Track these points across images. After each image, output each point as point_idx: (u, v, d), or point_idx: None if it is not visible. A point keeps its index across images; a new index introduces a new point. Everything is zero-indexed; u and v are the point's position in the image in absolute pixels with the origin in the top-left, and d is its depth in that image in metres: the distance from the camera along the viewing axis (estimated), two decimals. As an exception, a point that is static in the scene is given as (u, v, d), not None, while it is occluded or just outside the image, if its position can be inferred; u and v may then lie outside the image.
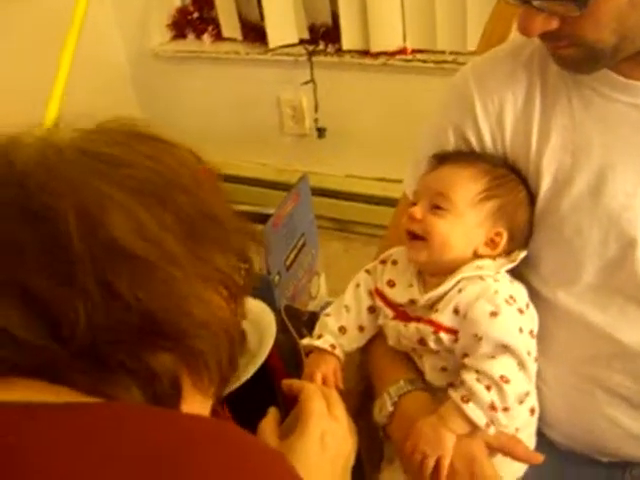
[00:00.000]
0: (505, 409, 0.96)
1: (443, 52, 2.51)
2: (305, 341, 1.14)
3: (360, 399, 1.17)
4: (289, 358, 1.30)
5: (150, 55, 2.99)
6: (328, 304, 1.18)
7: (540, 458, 0.99)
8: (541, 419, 1.09)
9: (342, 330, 1.12)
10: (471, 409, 0.96)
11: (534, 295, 1.06)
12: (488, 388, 0.96)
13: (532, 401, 1.05)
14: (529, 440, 1.06)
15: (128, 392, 0.61)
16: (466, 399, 0.96)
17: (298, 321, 1.46)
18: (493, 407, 0.95)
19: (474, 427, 0.97)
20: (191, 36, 2.95)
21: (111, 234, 0.60)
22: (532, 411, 1.05)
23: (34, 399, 0.57)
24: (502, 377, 0.96)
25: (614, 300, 1.04)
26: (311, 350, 1.12)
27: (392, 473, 1.08)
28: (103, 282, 0.59)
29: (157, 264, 0.62)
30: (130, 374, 0.61)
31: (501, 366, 0.97)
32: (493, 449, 0.99)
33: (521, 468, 1.05)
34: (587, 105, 1.02)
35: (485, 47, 1.33)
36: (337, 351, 1.10)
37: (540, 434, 1.10)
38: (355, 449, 0.94)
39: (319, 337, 1.11)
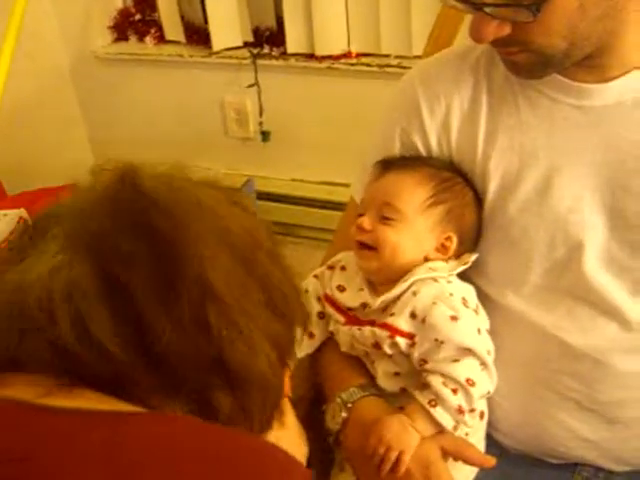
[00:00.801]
0: (471, 411, 0.98)
1: (388, 56, 2.51)
2: None
3: (310, 406, 1.16)
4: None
5: (91, 57, 2.93)
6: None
7: (492, 461, 0.99)
8: (490, 423, 1.09)
9: None
10: (439, 413, 0.96)
11: (482, 297, 1.07)
12: (455, 392, 0.96)
13: (482, 405, 1.05)
14: (479, 444, 1.06)
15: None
16: (433, 403, 0.96)
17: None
18: (460, 410, 0.96)
19: (441, 430, 0.98)
20: (133, 38, 2.90)
21: (209, 274, 0.63)
22: (481, 415, 1.05)
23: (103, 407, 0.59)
24: (468, 380, 0.96)
25: (562, 302, 1.04)
26: None
27: (343, 480, 1.07)
28: (197, 314, 0.62)
29: (238, 310, 0.65)
30: (193, 404, 0.64)
31: (465, 369, 0.97)
32: (447, 453, 0.99)
33: (471, 473, 1.05)
34: (533, 107, 1.03)
35: (431, 51, 1.33)
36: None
37: (488, 437, 1.10)
38: (306, 457, 0.92)
39: None
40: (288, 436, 0.91)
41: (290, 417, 0.93)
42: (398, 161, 1.11)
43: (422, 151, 1.10)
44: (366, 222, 1.05)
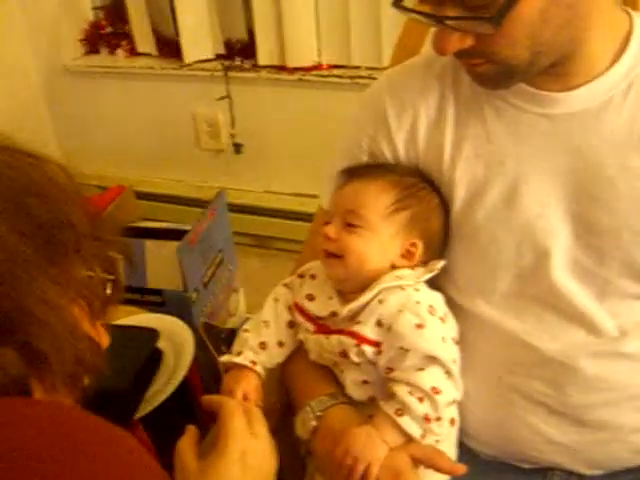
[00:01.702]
0: (438, 419, 0.97)
1: (358, 67, 2.53)
2: (224, 358, 1.11)
3: (281, 415, 1.16)
4: (208, 376, 1.28)
5: (62, 70, 2.93)
6: (247, 321, 1.16)
7: (463, 469, 0.99)
8: (461, 429, 1.09)
9: (262, 346, 1.10)
10: (406, 422, 0.96)
11: (451, 305, 1.07)
12: (420, 400, 0.96)
13: (452, 412, 1.05)
14: (450, 451, 1.06)
15: None
16: (400, 412, 0.96)
17: (217, 338, 1.44)
18: (427, 418, 0.96)
19: (408, 439, 0.97)
20: (104, 51, 2.91)
21: None
22: (452, 422, 1.05)
23: None
24: (433, 388, 0.96)
25: (531, 308, 1.05)
26: (230, 367, 1.10)
27: (314, 489, 1.06)
28: None
29: None
30: None
31: (430, 377, 0.97)
32: (417, 461, 0.99)
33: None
34: (500, 116, 1.04)
35: (398, 60, 1.34)
36: (257, 367, 1.09)
37: (460, 444, 1.10)
38: (276, 467, 0.92)
39: (239, 354, 1.10)
40: (260, 446, 0.90)
41: (261, 427, 0.93)
42: (362, 169, 1.11)
43: (390, 159, 1.11)
44: (331, 230, 1.05)
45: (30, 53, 2.94)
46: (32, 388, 0.67)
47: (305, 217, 2.68)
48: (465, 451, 1.11)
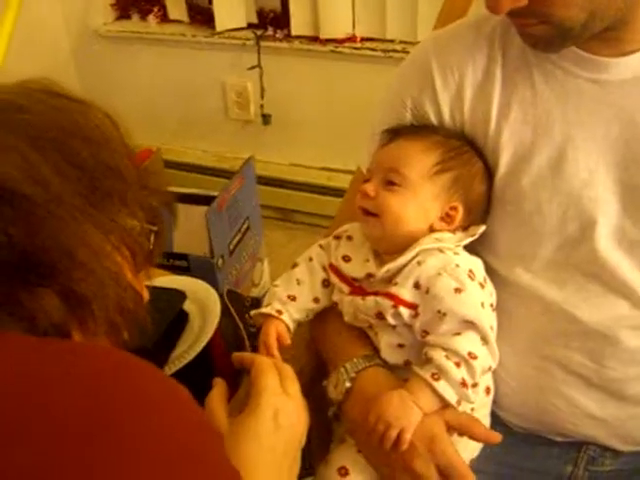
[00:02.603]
0: (474, 385, 0.95)
1: (392, 41, 2.50)
2: (253, 312, 1.10)
3: (308, 380, 1.14)
4: (231, 343, 1.27)
5: (93, 35, 2.91)
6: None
7: (499, 437, 0.97)
8: (494, 401, 1.07)
9: (291, 298, 1.09)
10: (442, 387, 0.94)
11: (489, 272, 1.04)
12: (457, 365, 0.94)
13: (488, 380, 1.03)
14: (484, 420, 1.03)
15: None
16: (436, 377, 0.94)
17: (241, 306, 1.43)
18: (464, 384, 0.94)
19: (444, 405, 0.95)
20: (136, 17, 2.88)
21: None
22: (487, 391, 1.03)
23: None
24: (470, 354, 0.94)
25: (573, 277, 1.02)
26: (261, 323, 1.08)
27: (343, 452, 1.04)
28: None
29: (39, 202, 0.62)
30: (10, 315, 0.61)
31: (467, 342, 0.95)
32: (452, 429, 0.97)
33: (476, 449, 1.03)
34: (549, 79, 1.01)
35: (444, 23, 1.31)
36: (284, 316, 1.07)
37: (493, 415, 1.08)
38: (307, 428, 0.90)
39: (267, 306, 1.08)
40: (292, 405, 0.88)
41: (294, 386, 0.91)
42: (406, 129, 1.09)
43: (434, 121, 1.08)
44: (370, 188, 1.03)
45: (60, 17, 2.92)
46: (72, 335, 0.65)
47: (331, 191, 2.67)
48: (496, 423, 1.09)
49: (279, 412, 0.85)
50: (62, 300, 0.64)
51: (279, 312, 1.07)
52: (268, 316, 1.07)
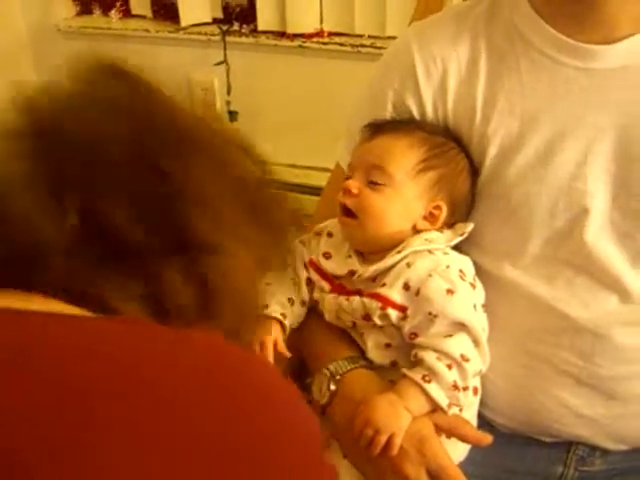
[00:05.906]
0: (465, 388, 0.93)
1: (361, 36, 2.46)
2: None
3: (293, 379, 1.10)
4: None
5: (53, 30, 2.83)
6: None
7: (489, 439, 0.95)
8: (481, 401, 1.05)
9: (290, 302, 1.06)
10: (433, 389, 0.91)
11: (476, 269, 1.02)
12: (449, 367, 0.91)
13: (475, 381, 1.00)
14: (471, 421, 1.01)
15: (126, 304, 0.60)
16: (427, 379, 0.91)
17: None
18: (455, 387, 0.91)
19: (434, 408, 0.92)
20: (97, 12, 2.81)
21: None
22: (475, 391, 1.00)
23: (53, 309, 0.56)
24: (462, 356, 0.92)
25: (562, 272, 1.00)
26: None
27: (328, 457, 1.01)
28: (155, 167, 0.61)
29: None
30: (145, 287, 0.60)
31: (459, 344, 0.93)
32: (441, 430, 0.94)
33: (464, 451, 1.01)
34: (536, 69, 0.98)
35: (422, 14, 1.28)
36: (286, 321, 1.04)
37: (479, 416, 1.06)
38: None
39: (266, 306, 1.04)
40: None
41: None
42: (389, 124, 1.05)
43: (416, 115, 1.05)
44: (353, 185, 1.00)
45: (19, 11, 2.84)
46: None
47: (299, 189, 2.62)
48: (482, 423, 1.06)
49: None
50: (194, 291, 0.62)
51: (283, 315, 1.04)
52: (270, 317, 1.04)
